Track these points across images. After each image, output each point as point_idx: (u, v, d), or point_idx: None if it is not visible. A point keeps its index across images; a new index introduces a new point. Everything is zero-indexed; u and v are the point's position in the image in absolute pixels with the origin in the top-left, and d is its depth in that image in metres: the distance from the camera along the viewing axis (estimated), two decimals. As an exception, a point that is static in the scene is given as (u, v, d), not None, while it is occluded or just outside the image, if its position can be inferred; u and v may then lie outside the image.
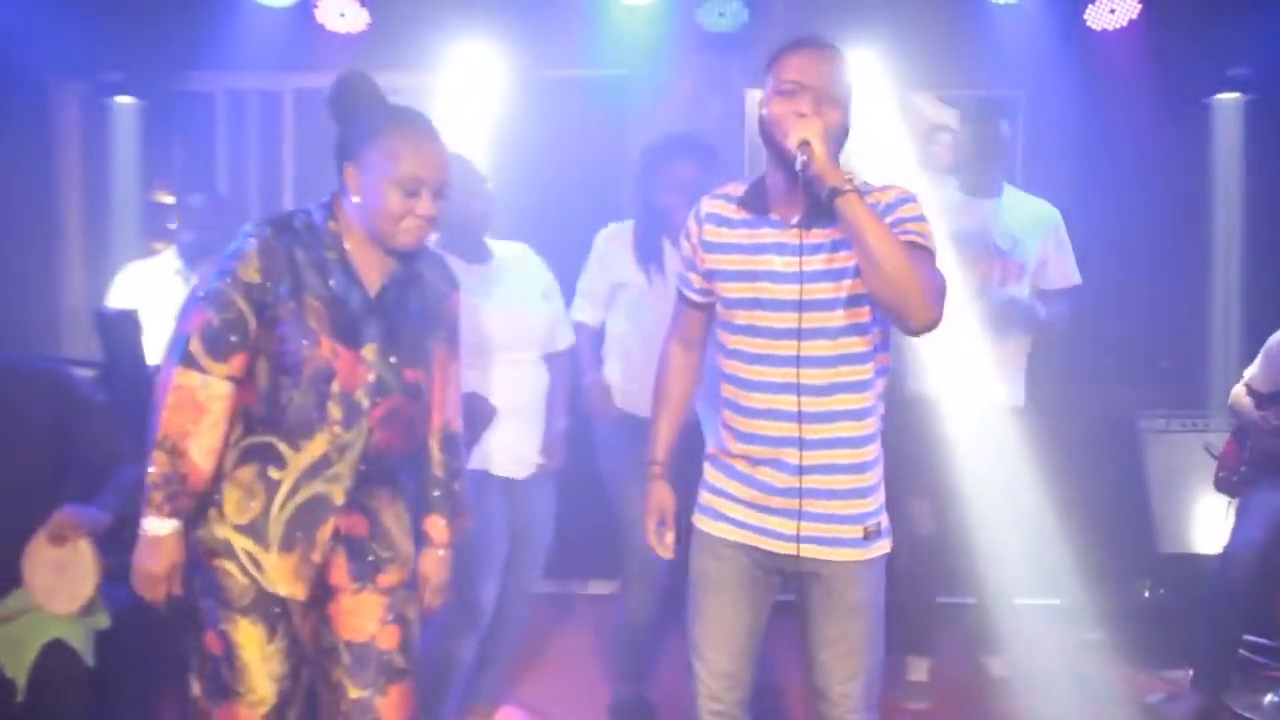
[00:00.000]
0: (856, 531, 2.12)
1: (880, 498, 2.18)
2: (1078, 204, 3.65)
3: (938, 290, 1.98)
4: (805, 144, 1.95)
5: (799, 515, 2.10)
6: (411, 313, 2.18)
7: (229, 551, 2.08)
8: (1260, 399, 3.43)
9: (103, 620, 2.66)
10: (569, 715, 3.49)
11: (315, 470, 2.08)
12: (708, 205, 2.21)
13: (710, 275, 2.18)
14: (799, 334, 2.06)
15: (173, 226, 4.40)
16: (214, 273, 2.06)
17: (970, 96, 3.53)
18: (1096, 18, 4.18)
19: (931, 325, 1.97)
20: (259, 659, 2.09)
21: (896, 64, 4.21)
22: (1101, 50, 4.24)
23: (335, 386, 2.06)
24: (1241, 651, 3.42)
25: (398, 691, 2.20)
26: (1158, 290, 4.36)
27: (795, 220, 2.08)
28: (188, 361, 2.03)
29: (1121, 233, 4.12)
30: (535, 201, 4.31)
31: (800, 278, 2.05)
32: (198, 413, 2.02)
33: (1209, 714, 3.32)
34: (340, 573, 2.18)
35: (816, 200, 2.00)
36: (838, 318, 2.06)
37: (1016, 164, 3.78)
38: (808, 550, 2.11)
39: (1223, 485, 3.60)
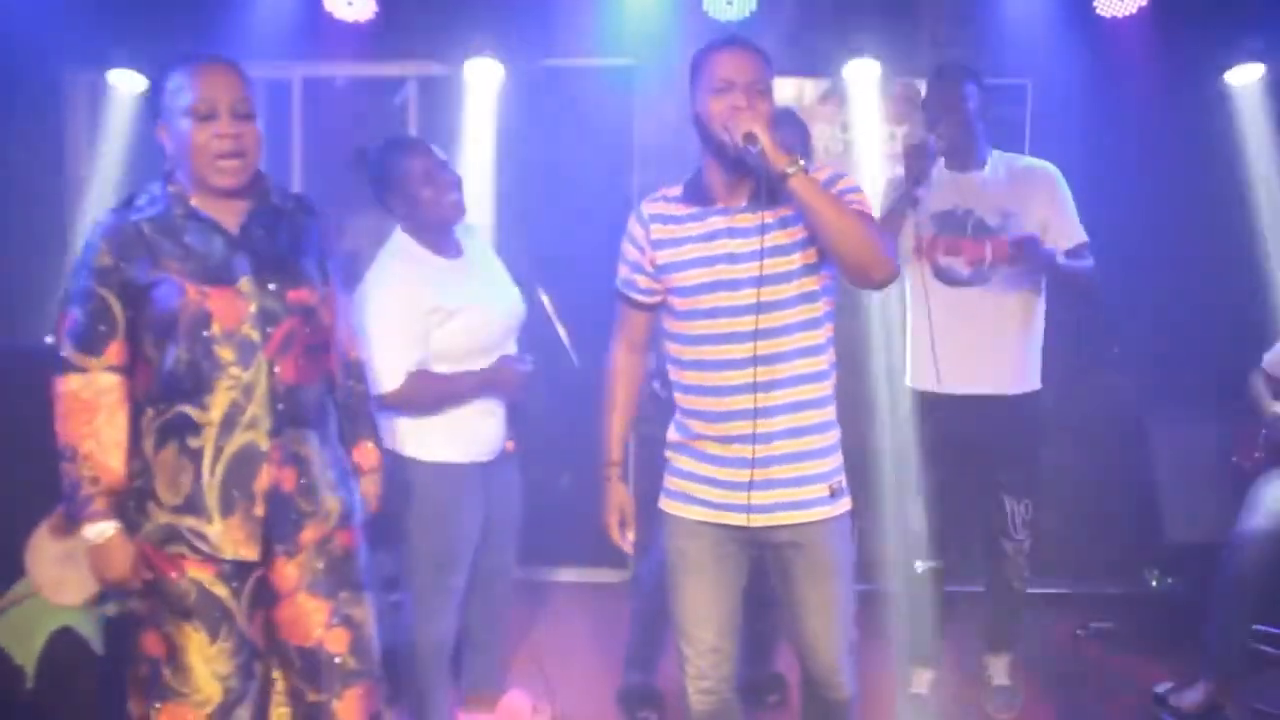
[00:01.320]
0: (823, 490, 2.29)
1: (840, 457, 2.35)
2: (1087, 193, 3.60)
3: (890, 247, 2.21)
4: (752, 135, 2.11)
5: (749, 486, 2.25)
6: (282, 240, 2.18)
7: (175, 536, 2.08)
8: (1277, 387, 3.42)
9: (111, 607, 2.67)
10: (576, 701, 3.50)
11: (230, 422, 2.08)
12: (648, 208, 2.37)
13: (663, 271, 2.32)
14: (757, 308, 2.21)
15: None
16: (70, 274, 2.09)
17: (931, 61, 3.43)
18: (1106, 4, 4.14)
19: (891, 277, 2.18)
20: (202, 660, 2.09)
21: (902, 52, 4.20)
22: (1111, 37, 4.21)
23: (216, 328, 2.06)
24: (1250, 641, 3.41)
25: (354, 694, 2.22)
26: (1167, 279, 4.33)
27: (743, 205, 2.26)
28: (65, 368, 2.05)
29: (1131, 222, 4.09)
30: (542, 191, 4.33)
31: (761, 254, 2.20)
32: (89, 413, 2.04)
33: (1217, 703, 3.31)
34: (282, 576, 2.18)
35: (760, 184, 2.17)
36: (793, 288, 2.23)
37: (1024, 152, 3.74)
38: (782, 518, 2.27)
39: (1236, 469, 3.57)
